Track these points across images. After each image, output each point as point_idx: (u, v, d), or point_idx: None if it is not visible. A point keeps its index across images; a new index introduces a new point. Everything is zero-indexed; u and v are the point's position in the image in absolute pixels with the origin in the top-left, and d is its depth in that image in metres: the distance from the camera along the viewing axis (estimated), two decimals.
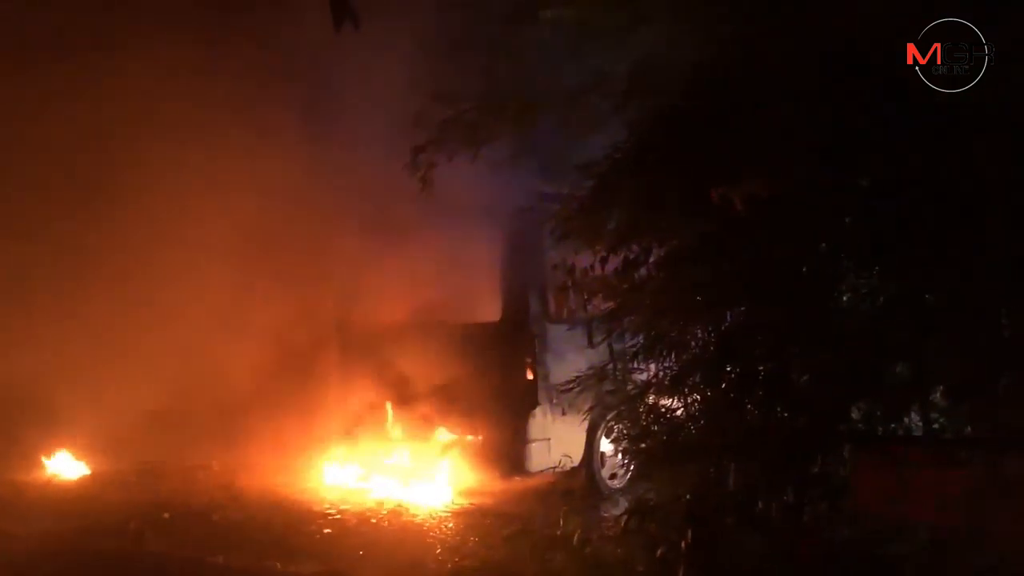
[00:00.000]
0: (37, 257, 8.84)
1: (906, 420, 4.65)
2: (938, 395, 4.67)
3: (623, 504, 6.55)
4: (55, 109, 8.16)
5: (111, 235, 8.49)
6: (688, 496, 4.91)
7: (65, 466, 8.91)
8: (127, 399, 9.07)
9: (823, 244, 4.86)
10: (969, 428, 4.64)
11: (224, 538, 6.76)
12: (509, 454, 7.70)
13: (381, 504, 7.67)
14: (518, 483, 7.99)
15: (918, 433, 4.63)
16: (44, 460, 8.91)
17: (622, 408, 5.45)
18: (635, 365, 5.28)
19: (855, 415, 4.76)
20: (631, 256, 5.11)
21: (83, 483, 8.64)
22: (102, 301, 9.00)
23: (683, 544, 4.70)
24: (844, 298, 4.86)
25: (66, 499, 8.01)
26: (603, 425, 7.41)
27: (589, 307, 7.69)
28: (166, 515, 7.33)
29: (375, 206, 7.69)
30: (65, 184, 8.49)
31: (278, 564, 6.11)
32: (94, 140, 8.25)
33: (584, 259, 5.53)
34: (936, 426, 4.60)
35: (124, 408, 9.03)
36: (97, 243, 8.64)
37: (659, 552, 4.83)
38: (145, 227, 8.53)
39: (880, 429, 4.69)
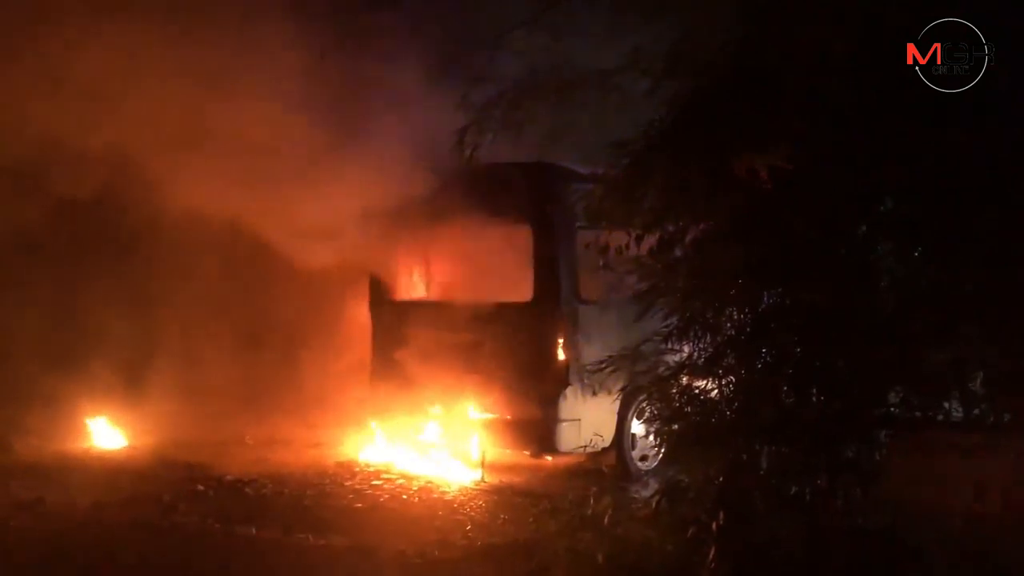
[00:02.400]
0: (79, 232, 8.94)
1: (946, 406, 4.59)
2: (978, 383, 4.60)
3: (653, 486, 6.52)
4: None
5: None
6: (720, 478, 4.88)
7: (104, 437, 9.05)
8: (165, 372, 9.24)
9: (862, 227, 4.79)
10: (1008, 416, 4.57)
11: (256, 511, 6.86)
12: (540, 433, 7.70)
13: (412, 480, 7.72)
14: (548, 462, 8.00)
15: (957, 420, 4.57)
16: (84, 431, 9.04)
17: (654, 389, 5.41)
18: (668, 346, 5.23)
19: (892, 400, 4.70)
20: (666, 235, 5.06)
21: (120, 454, 8.77)
22: (140, 274, 9.11)
23: (714, 526, 4.67)
24: (882, 282, 4.79)
25: (103, 469, 8.13)
26: (635, 406, 7.38)
27: (622, 287, 7.65)
28: (199, 487, 7.44)
29: (411, 183, 7.67)
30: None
31: (309, 537, 6.17)
32: None
33: (617, 238, 5.48)
34: (977, 412, 4.53)
35: (161, 381, 9.19)
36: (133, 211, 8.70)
37: (690, 533, 4.81)
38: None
39: (918, 415, 4.63)
